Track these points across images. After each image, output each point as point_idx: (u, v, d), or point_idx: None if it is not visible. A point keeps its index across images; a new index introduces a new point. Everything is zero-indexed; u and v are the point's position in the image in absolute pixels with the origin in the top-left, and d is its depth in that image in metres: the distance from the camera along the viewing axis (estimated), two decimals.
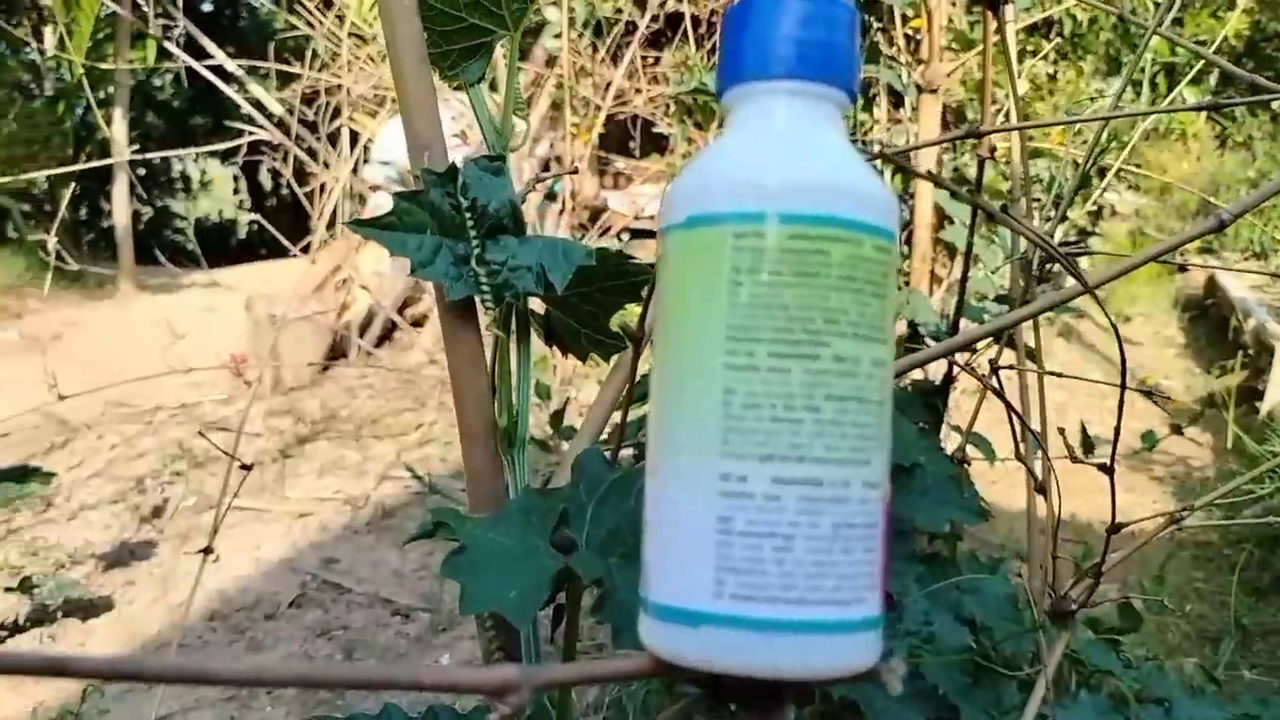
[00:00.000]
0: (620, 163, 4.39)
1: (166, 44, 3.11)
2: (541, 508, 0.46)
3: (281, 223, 3.79)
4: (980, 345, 0.98)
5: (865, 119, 2.38)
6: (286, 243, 2.66)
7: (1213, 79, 5.05)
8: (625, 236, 3.30)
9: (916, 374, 1.80)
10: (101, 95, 4.70)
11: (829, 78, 0.32)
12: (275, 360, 2.78)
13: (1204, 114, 5.08)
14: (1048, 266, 0.89)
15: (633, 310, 0.53)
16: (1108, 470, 0.59)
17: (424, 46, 0.48)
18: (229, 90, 2.93)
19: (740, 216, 0.29)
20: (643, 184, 3.97)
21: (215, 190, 7.01)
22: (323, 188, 3.04)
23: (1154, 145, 4.81)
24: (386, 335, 3.38)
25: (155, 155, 4.75)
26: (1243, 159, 4.92)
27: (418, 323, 3.38)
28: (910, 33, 2.33)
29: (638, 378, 0.49)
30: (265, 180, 6.78)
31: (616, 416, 0.52)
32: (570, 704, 0.46)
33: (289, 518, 1.90)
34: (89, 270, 3.62)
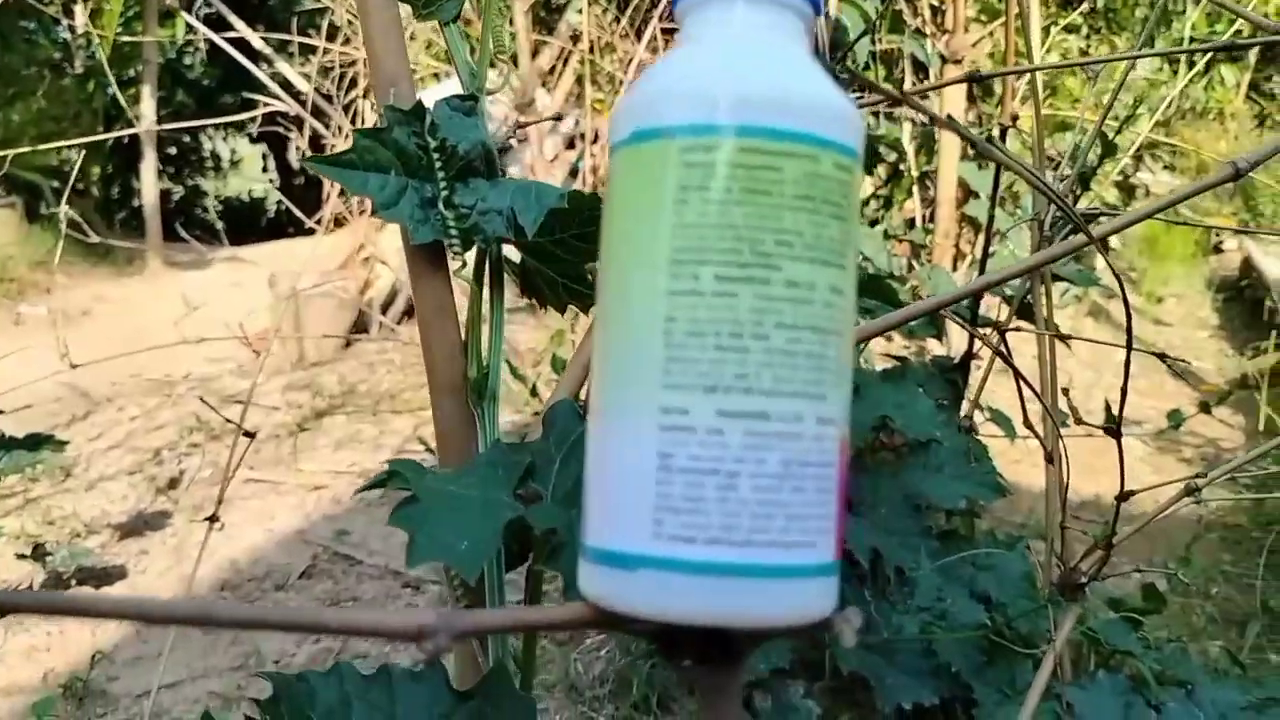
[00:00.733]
0: None
1: (191, 19, 3.11)
2: (509, 461, 0.45)
3: (309, 200, 3.80)
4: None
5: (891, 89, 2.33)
6: (302, 215, 2.66)
7: (1252, 56, 4.92)
8: None
9: (937, 349, 1.76)
10: (131, 73, 4.73)
11: None
12: (298, 335, 2.79)
13: (1242, 93, 4.96)
14: (1066, 231, 0.86)
15: None
16: (1114, 434, 0.56)
17: None
18: (254, 69, 2.92)
19: (687, 129, 0.27)
20: None
21: (245, 169, 7.05)
22: None
23: (1191, 124, 4.70)
24: (409, 311, 3.38)
25: (175, 127, 4.75)
26: None
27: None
28: (936, 3, 2.28)
29: None
30: (294, 158, 6.81)
31: None
32: (533, 663, 0.44)
33: (303, 490, 1.90)
34: (117, 246, 3.66)
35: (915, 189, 2.49)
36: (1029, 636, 1.14)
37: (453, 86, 0.55)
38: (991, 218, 1.16)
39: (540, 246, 0.50)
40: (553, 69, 3.54)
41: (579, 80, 3.44)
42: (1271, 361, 2.53)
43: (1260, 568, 1.57)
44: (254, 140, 6.60)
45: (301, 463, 2.05)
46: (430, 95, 0.47)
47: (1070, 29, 3.80)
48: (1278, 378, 2.43)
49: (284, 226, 5.59)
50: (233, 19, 3.21)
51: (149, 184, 4.29)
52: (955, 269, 2.25)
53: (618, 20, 3.31)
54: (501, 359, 0.50)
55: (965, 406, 1.09)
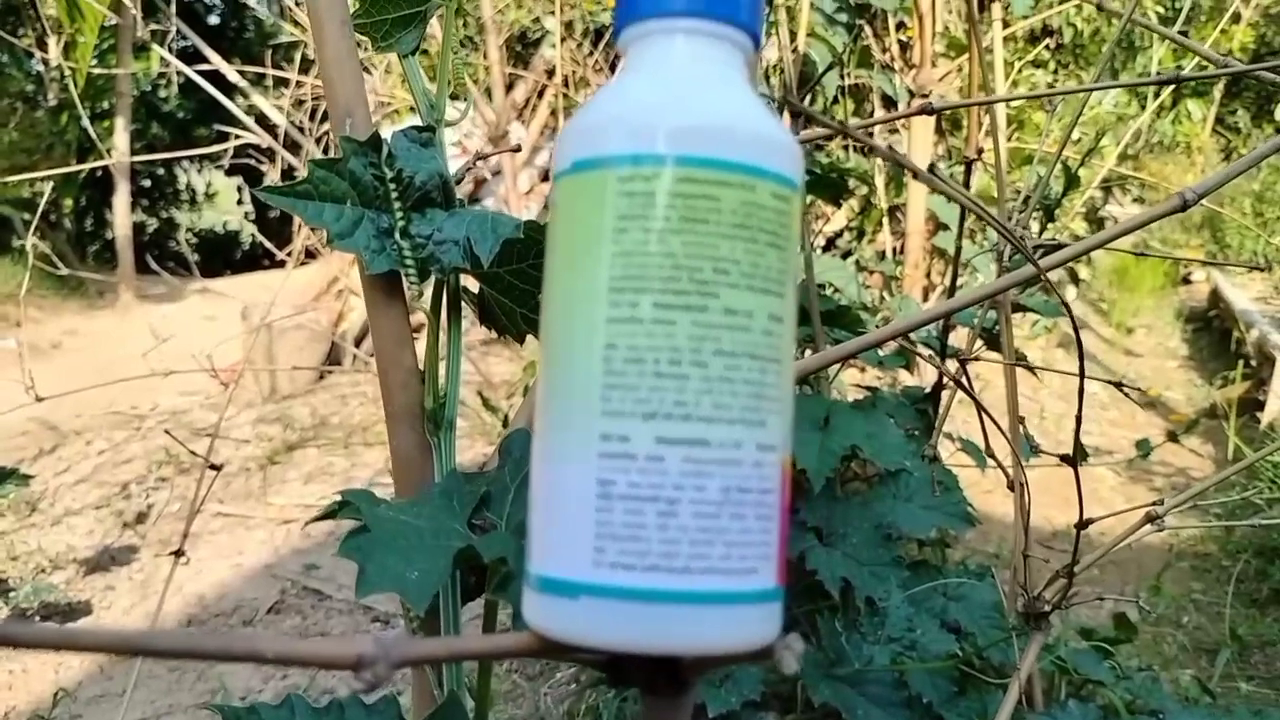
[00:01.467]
0: None
1: (165, 53, 3.11)
2: (464, 490, 0.44)
3: (284, 233, 3.78)
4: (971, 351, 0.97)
5: (857, 123, 2.36)
6: (273, 248, 2.65)
7: (1217, 91, 5.03)
8: None
9: (907, 379, 1.77)
10: (105, 105, 4.72)
11: (728, 16, 0.30)
12: (270, 367, 2.77)
13: (1209, 127, 5.06)
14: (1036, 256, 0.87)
15: None
16: (1070, 462, 0.56)
17: (346, 8, 0.47)
18: (226, 101, 2.92)
19: (626, 159, 0.28)
20: None
21: (219, 201, 7.03)
22: None
23: (1158, 157, 4.79)
24: None
25: (148, 159, 4.74)
26: (1248, 172, 4.89)
27: (414, 331, 3.37)
28: (903, 39, 2.31)
29: None
30: None
31: None
32: (488, 695, 0.44)
33: (272, 524, 1.88)
34: (89, 279, 3.63)
35: (885, 221, 2.51)
36: (1001, 666, 1.14)
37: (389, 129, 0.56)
38: (959, 249, 1.17)
39: (497, 276, 0.51)
40: (528, 102, 3.57)
41: (554, 113, 3.46)
42: (1239, 391, 2.56)
43: (1229, 596, 1.58)
44: (229, 173, 6.59)
45: (271, 496, 2.03)
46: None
47: (1038, 64, 3.87)
48: (1245, 407, 2.46)
49: (258, 259, 5.57)
50: (208, 52, 3.22)
51: (121, 216, 4.27)
52: (926, 299, 2.27)
53: (591, 54, 3.34)
54: (459, 388, 0.50)
55: (933, 436, 1.10)
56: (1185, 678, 1.41)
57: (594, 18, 3.30)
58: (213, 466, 1.05)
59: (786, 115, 0.82)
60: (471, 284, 0.53)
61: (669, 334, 0.27)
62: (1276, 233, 3.81)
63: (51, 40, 3.90)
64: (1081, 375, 0.52)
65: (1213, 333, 3.51)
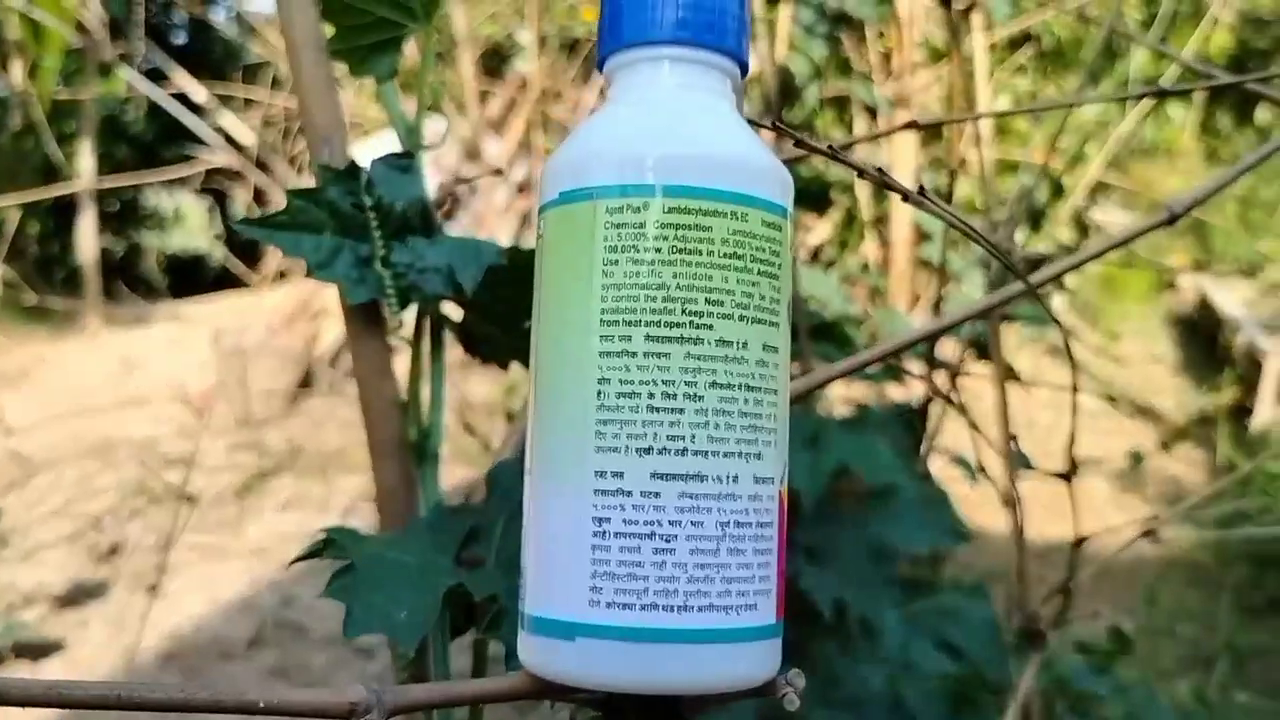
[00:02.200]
0: None
1: (130, 75, 3.09)
2: (451, 525, 0.44)
3: (255, 254, 3.75)
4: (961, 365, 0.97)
5: (840, 135, 2.37)
6: (246, 270, 2.62)
7: (1199, 96, 5.09)
8: None
9: (895, 394, 1.78)
10: (70, 128, 4.66)
11: (715, 44, 0.29)
12: (243, 393, 2.74)
13: (1192, 131, 5.12)
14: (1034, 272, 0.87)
15: None
16: (1064, 477, 0.56)
17: (322, 35, 0.46)
18: (188, 122, 2.89)
19: (614, 190, 0.27)
20: None
21: (188, 224, 6.97)
22: None
23: (1143, 162, 4.83)
24: None
25: (114, 184, 4.69)
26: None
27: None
28: (884, 49, 2.33)
29: None
30: (239, 213, 6.75)
31: None
32: None
33: (249, 554, 1.85)
34: (55, 306, 3.58)
35: (869, 232, 2.51)
36: (998, 687, 1.14)
37: (390, 139, 0.55)
38: (944, 260, 1.18)
39: (480, 303, 0.50)
40: (503, 117, 3.56)
41: (529, 127, 3.45)
42: (1229, 397, 2.58)
43: (1225, 606, 1.59)
44: (198, 194, 6.53)
45: (247, 526, 2.00)
46: (367, 148, 0.47)
47: (1019, 69, 3.90)
48: (1235, 413, 2.48)
49: (229, 281, 5.52)
50: (174, 72, 3.19)
51: (87, 241, 4.21)
52: (912, 310, 2.27)
53: (566, 68, 3.34)
54: (443, 419, 0.49)
55: (922, 451, 1.10)
56: (1182, 689, 1.41)
57: (568, 31, 3.30)
58: (187, 497, 1.03)
59: (765, 132, 0.82)
60: (454, 311, 0.53)
61: (662, 367, 0.26)
62: (1262, 237, 3.86)
63: (14, 64, 3.85)
64: (1074, 390, 0.52)
65: (1201, 338, 3.52)
